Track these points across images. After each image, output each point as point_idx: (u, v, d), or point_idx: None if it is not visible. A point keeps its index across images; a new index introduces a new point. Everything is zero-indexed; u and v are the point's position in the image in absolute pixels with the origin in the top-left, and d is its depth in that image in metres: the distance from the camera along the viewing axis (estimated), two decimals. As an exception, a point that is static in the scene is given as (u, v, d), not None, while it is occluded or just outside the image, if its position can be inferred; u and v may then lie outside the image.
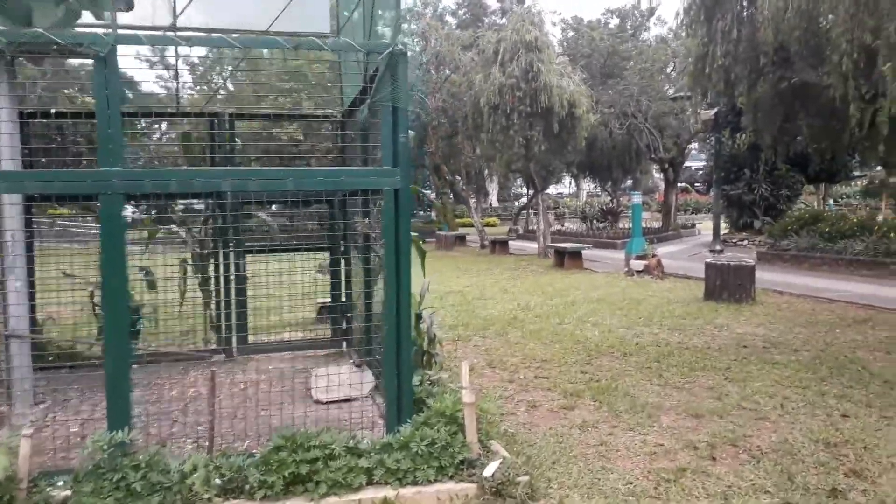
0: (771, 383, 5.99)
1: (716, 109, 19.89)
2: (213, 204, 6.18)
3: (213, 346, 6.78)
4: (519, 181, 47.39)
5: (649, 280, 13.90)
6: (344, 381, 5.09)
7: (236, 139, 6.50)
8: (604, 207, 33.01)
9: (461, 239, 27.86)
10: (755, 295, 10.82)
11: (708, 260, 11.43)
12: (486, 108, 17.49)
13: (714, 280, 10.88)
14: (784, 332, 8.25)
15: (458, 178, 29.24)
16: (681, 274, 14.76)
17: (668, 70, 29.97)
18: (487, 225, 47.99)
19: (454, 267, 17.99)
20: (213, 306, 6.79)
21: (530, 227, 32.66)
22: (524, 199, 42.61)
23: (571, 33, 31.78)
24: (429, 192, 44.09)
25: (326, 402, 5.11)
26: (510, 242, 25.08)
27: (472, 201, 29.74)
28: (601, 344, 7.78)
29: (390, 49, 3.70)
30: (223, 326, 6.67)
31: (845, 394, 5.61)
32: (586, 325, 8.96)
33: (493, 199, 65.75)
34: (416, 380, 4.60)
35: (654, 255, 14.68)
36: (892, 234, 14.22)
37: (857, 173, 28.48)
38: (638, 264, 14.53)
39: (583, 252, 17.52)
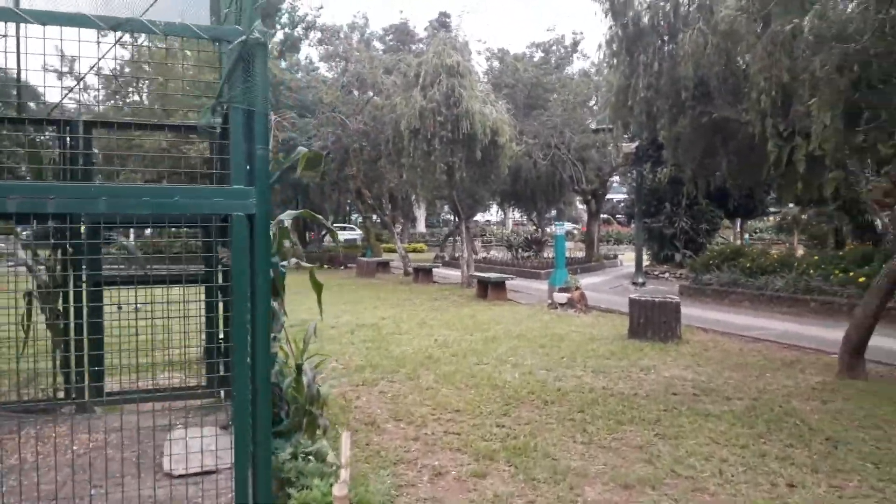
0: (706, 440, 5.35)
1: (637, 143, 19.89)
2: (59, 226, 5.09)
3: (61, 396, 5.66)
4: (447, 207, 46.99)
5: (573, 314, 13.37)
6: (204, 447, 4.10)
7: (94, 150, 5.44)
8: (528, 237, 32.80)
9: (384, 265, 26.89)
10: (681, 333, 10.38)
11: (632, 296, 10.96)
12: (406, 133, 16.77)
13: (638, 317, 10.39)
14: (713, 376, 7.73)
15: (383, 202, 28.43)
16: (604, 307, 14.32)
17: (591, 104, 30.30)
18: (414, 251, 47.19)
19: (373, 296, 17.04)
20: (62, 347, 5.66)
21: (456, 255, 32.10)
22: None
23: (496, 63, 31.78)
24: (355, 217, 42.77)
25: (179, 476, 4.11)
26: (435, 270, 24.33)
27: (398, 227, 28.95)
28: (520, 389, 7.02)
29: (243, 37, 2.85)
30: (73, 371, 5.55)
31: (787, 455, 5.01)
32: (506, 367, 8.21)
33: (421, 224, 65.24)
34: (286, 452, 3.68)
35: (577, 288, 14.20)
36: (811, 272, 14.24)
37: (772, 209, 29.32)
38: (561, 297, 14.00)
39: (507, 282, 16.95)
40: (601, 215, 39.02)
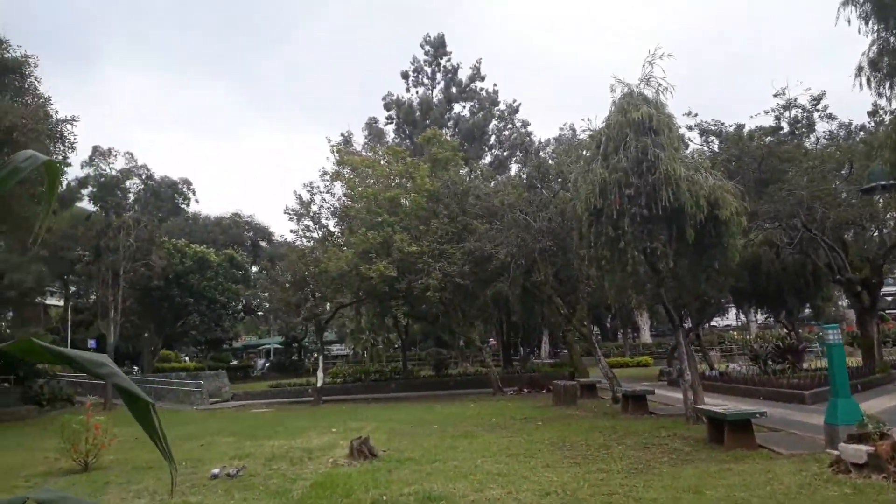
0: None
1: (938, 200, 13.54)
2: None
3: None
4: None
5: (880, 483, 7.59)
6: None
7: None
8: (780, 344, 25.71)
9: (590, 389, 21.83)
10: None
11: None
12: (585, 215, 12.46)
13: None
14: None
15: (578, 309, 24.03)
16: (937, 467, 8.28)
17: (844, 172, 23.78)
18: (638, 365, 40.93)
19: (552, 443, 12.18)
20: None
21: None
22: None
23: (713, 138, 26.67)
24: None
25: None
26: (657, 392, 18.62)
27: (622, 339, 24.18)
28: None
29: None
30: None
31: None
32: None
33: (646, 332, 58.16)
34: None
35: (882, 435, 8.33)
36: None
37: None
38: (856, 452, 8.21)
39: (755, 418, 11.26)
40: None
